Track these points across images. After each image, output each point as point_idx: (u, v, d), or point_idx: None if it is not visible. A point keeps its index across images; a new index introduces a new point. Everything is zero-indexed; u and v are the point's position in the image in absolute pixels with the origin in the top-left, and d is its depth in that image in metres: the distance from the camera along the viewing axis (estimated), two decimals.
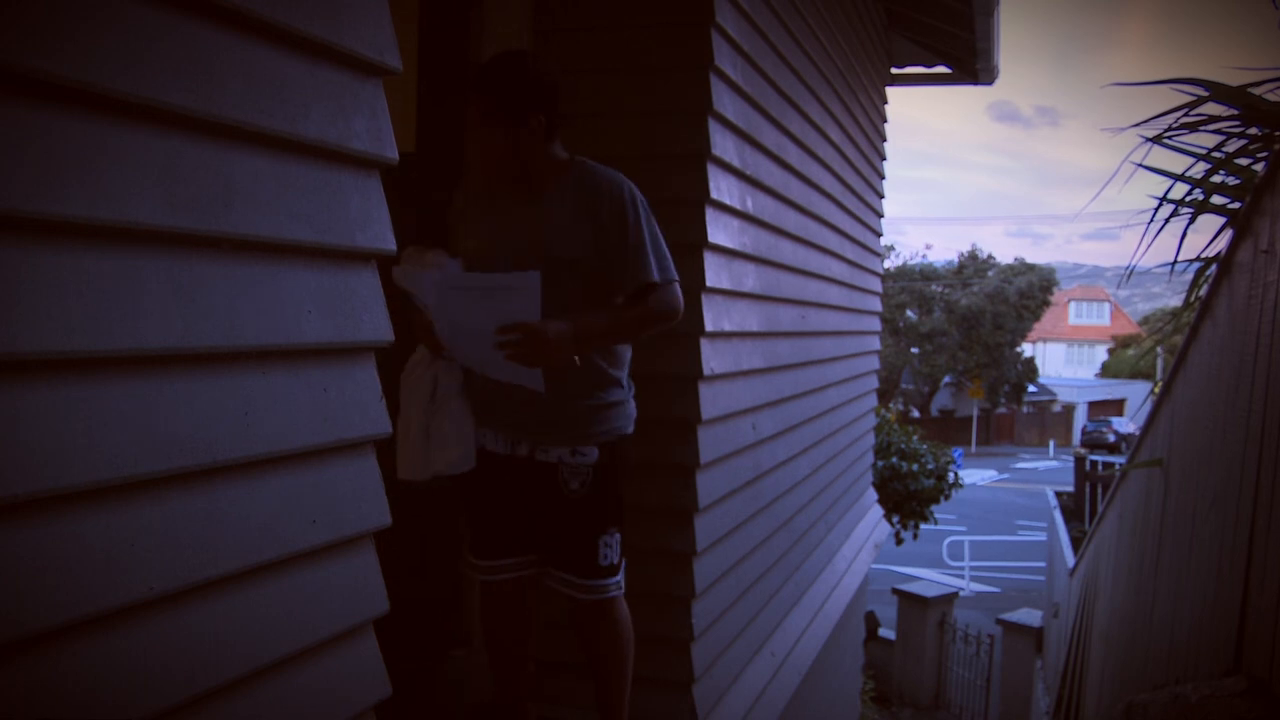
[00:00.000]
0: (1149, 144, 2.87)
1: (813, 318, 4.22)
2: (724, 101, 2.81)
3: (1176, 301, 4.06)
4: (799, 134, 3.79)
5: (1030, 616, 9.86)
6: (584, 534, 2.18)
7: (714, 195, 2.76)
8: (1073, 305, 54.59)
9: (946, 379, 36.32)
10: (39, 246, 1.02)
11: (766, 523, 3.59)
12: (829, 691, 5.14)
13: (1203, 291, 2.86)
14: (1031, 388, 38.10)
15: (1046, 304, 36.03)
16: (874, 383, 6.33)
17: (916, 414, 35.40)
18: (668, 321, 2.13)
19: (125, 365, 1.11)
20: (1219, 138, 2.75)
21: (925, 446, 10.51)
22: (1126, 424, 31.85)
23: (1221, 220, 2.81)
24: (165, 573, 1.14)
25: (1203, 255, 2.98)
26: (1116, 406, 39.83)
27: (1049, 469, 30.06)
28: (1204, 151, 2.79)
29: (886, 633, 10.70)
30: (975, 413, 36.63)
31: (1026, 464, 32.23)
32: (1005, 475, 29.07)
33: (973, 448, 35.19)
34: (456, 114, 2.72)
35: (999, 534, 19.37)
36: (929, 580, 12.21)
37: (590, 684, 2.36)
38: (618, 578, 2.24)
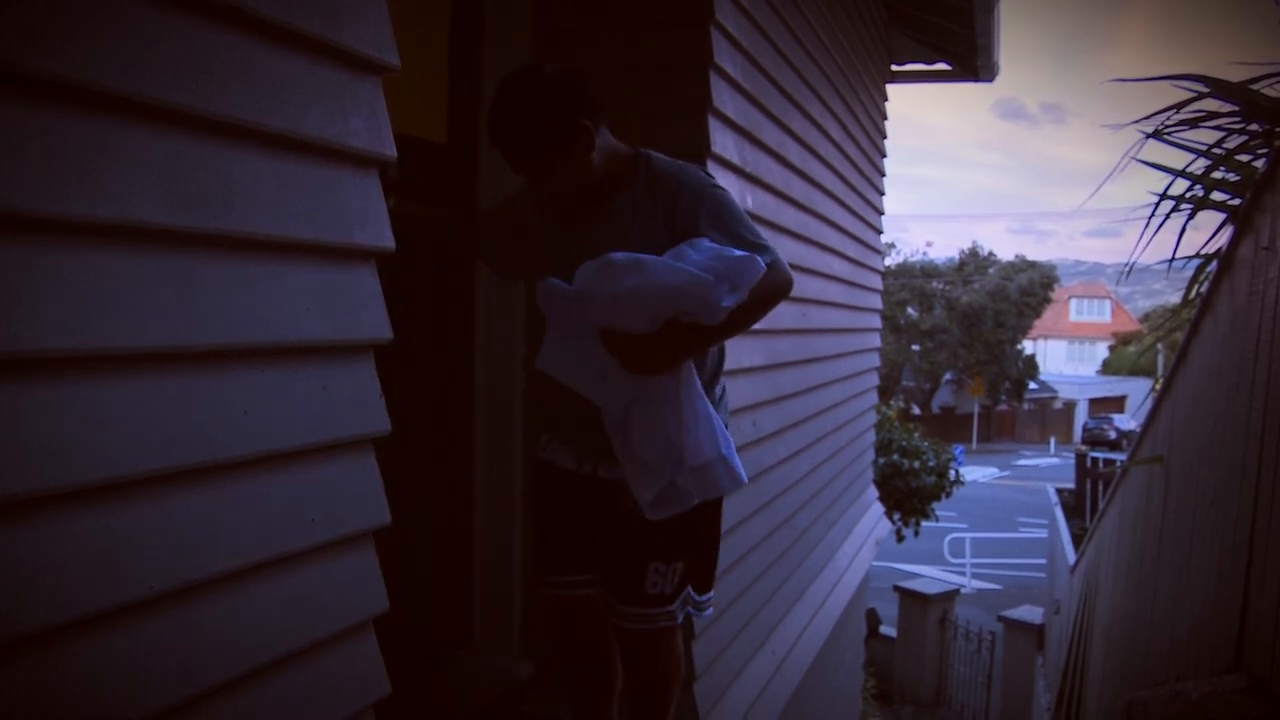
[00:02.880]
0: (1149, 140, 2.87)
1: (813, 315, 4.22)
2: (724, 99, 2.81)
3: (1177, 298, 4.06)
4: (799, 131, 3.79)
5: (1031, 613, 9.86)
6: (634, 558, 2.05)
7: None
8: (1074, 302, 54.59)
9: (947, 376, 36.33)
10: (39, 245, 1.02)
11: (767, 520, 3.59)
12: (830, 689, 5.14)
13: (1203, 288, 2.86)
14: (1032, 385, 38.10)
15: (1047, 301, 36.02)
16: (875, 380, 6.32)
17: (917, 411, 35.38)
18: (784, 295, 1.97)
19: (125, 364, 1.11)
20: (1219, 134, 2.75)
21: (926, 444, 10.52)
22: (1127, 421, 31.83)
23: (1222, 216, 2.81)
24: (164, 571, 1.14)
25: (1203, 252, 2.98)
26: (1117, 403, 39.82)
27: (1050, 466, 30.05)
28: (1204, 147, 2.79)
29: (888, 630, 10.71)
30: (976, 410, 36.64)
31: (1027, 461, 32.24)
32: (1006, 472, 29.07)
33: (974, 445, 35.19)
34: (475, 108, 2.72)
35: (1000, 531, 19.37)
36: (930, 577, 12.22)
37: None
38: (670, 608, 2.08)
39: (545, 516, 2.21)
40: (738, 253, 1.82)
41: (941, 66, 6.66)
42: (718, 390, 2.10)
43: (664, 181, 1.94)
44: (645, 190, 1.94)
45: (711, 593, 2.20)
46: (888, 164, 6.32)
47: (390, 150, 1.49)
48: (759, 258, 1.82)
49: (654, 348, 1.83)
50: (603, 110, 1.95)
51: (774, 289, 1.92)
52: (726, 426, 2.02)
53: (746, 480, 2.00)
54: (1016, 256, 36.54)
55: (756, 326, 3.29)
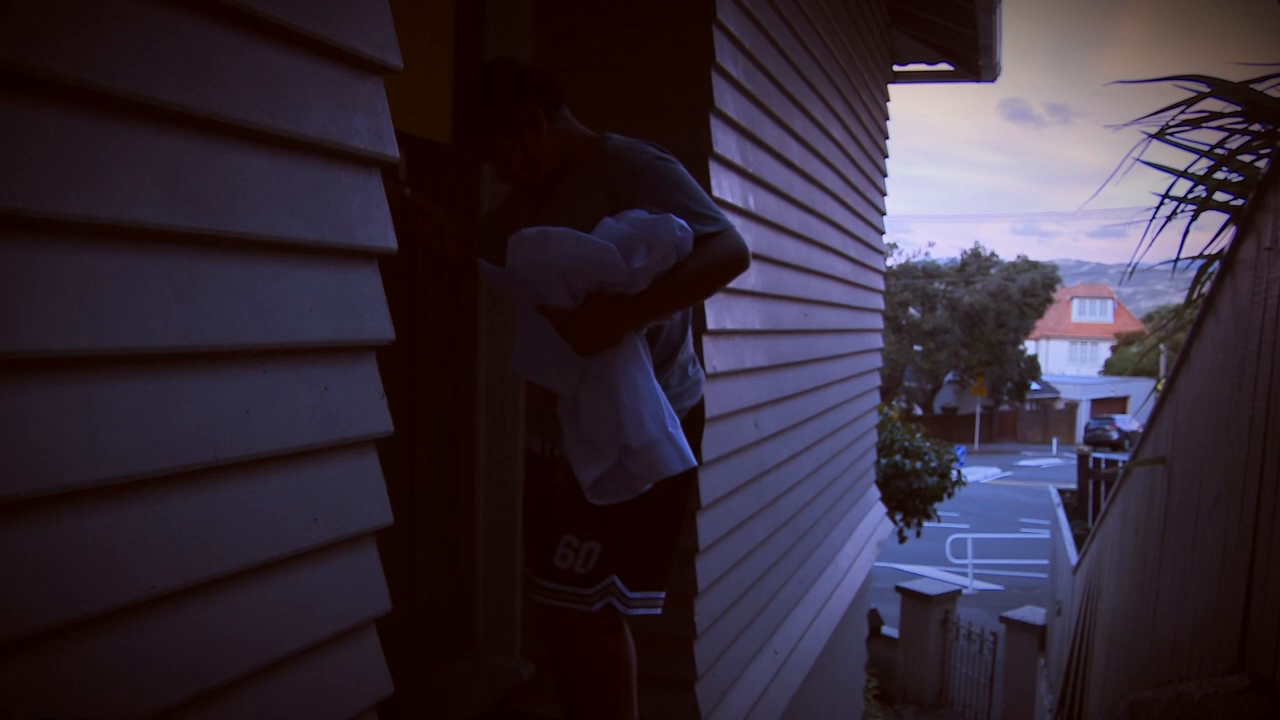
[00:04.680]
0: (1153, 140, 2.87)
1: (815, 315, 4.22)
2: (726, 99, 2.81)
3: (1180, 299, 4.05)
4: (801, 131, 3.79)
5: (1033, 614, 9.86)
6: (550, 527, 2.01)
7: (716, 193, 2.75)
8: (1076, 303, 54.57)
9: (949, 376, 36.32)
10: (41, 245, 1.02)
11: (769, 521, 3.59)
12: (832, 690, 5.14)
13: (1206, 289, 2.86)
14: (1034, 385, 38.09)
15: (1049, 301, 36.03)
16: (877, 380, 6.32)
17: (919, 412, 35.40)
18: (736, 267, 1.90)
19: (126, 364, 1.11)
20: (1222, 134, 2.75)
21: (928, 444, 10.51)
22: (1129, 421, 31.84)
23: (1224, 217, 2.80)
24: (167, 571, 1.14)
25: (1206, 252, 2.98)
26: (1119, 404, 39.81)
27: (1052, 466, 30.05)
28: (1207, 148, 2.79)
29: (890, 631, 10.70)
30: (978, 410, 36.62)
31: (1029, 461, 32.22)
32: (1008, 473, 29.06)
33: (975, 445, 35.19)
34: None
35: (1002, 532, 19.36)
36: (932, 578, 12.23)
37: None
38: (581, 590, 1.97)
39: (525, 507, 2.23)
40: (652, 216, 1.80)
41: (944, 67, 6.66)
42: (675, 370, 2.04)
43: (609, 161, 1.94)
44: (595, 171, 1.95)
45: (653, 593, 2.04)
46: (891, 164, 6.32)
47: (393, 150, 1.49)
48: (674, 218, 1.79)
49: (586, 322, 1.80)
50: (553, 97, 2.00)
51: (720, 259, 1.87)
52: (706, 413, 2.02)
53: (695, 462, 1.91)
54: (1019, 257, 36.54)
55: (756, 326, 3.31)
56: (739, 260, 1.90)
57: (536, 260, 1.78)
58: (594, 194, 1.93)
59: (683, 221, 1.80)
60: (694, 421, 2.10)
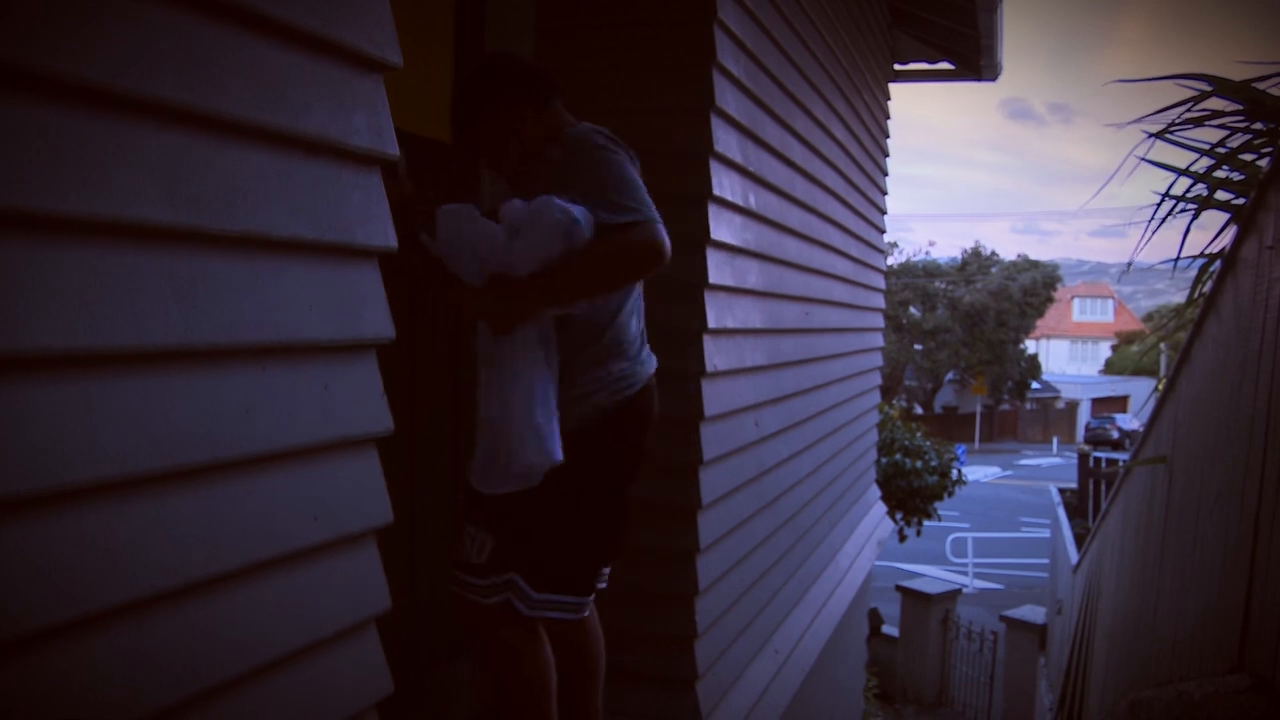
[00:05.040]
0: (1154, 139, 2.87)
1: (816, 315, 4.22)
2: (727, 98, 2.81)
3: (1180, 298, 4.05)
4: (802, 130, 3.78)
5: (1034, 613, 9.86)
6: (459, 514, 2.04)
7: (717, 192, 2.75)
8: (1076, 302, 54.56)
9: (950, 376, 36.32)
10: (41, 243, 1.02)
11: (769, 520, 3.58)
12: (832, 689, 5.14)
13: (1207, 288, 2.85)
14: (1035, 384, 38.08)
15: (1050, 300, 36.01)
16: (877, 379, 6.32)
17: (920, 411, 35.38)
18: (646, 259, 1.83)
19: (127, 362, 1.11)
20: (1223, 132, 2.75)
21: (929, 443, 10.51)
22: (1130, 420, 31.85)
23: (1226, 216, 2.80)
24: (167, 570, 1.14)
25: (1207, 251, 2.97)
26: (1120, 403, 39.80)
27: (1052, 465, 30.05)
28: (1208, 147, 2.78)
29: (890, 630, 10.70)
30: (979, 409, 36.62)
31: (1030, 461, 32.22)
32: (1009, 472, 29.06)
33: (976, 444, 35.18)
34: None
35: (1002, 531, 19.37)
36: (932, 577, 12.22)
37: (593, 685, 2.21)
38: (477, 580, 1.96)
39: None
40: (538, 198, 1.84)
41: (944, 66, 6.65)
42: (586, 365, 1.97)
43: (564, 148, 1.95)
44: (557, 160, 1.96)
45: (563, 596, 1.99)
46: (892, 164, 6.32)
47: (393, 148, 1.49)
48: (557, 201, 1.80)
49: (480, 301, 1.87)
50: (540, 88, 2.03)
51: (624, 248, 1.81)
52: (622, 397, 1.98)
53: (558, 458, 1.86)
54: (1019, 256, 36.53)
55: (757, 325, 3.31)
56: (650, 252, 1.82)
57: (446, 235, 1.89)
58: (550, 183, 1.92)
59: (570, 205, 1.79)
60: (612, 424, 1.99)
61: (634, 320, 2.06)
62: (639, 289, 2.09)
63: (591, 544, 2.05)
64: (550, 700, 2.03)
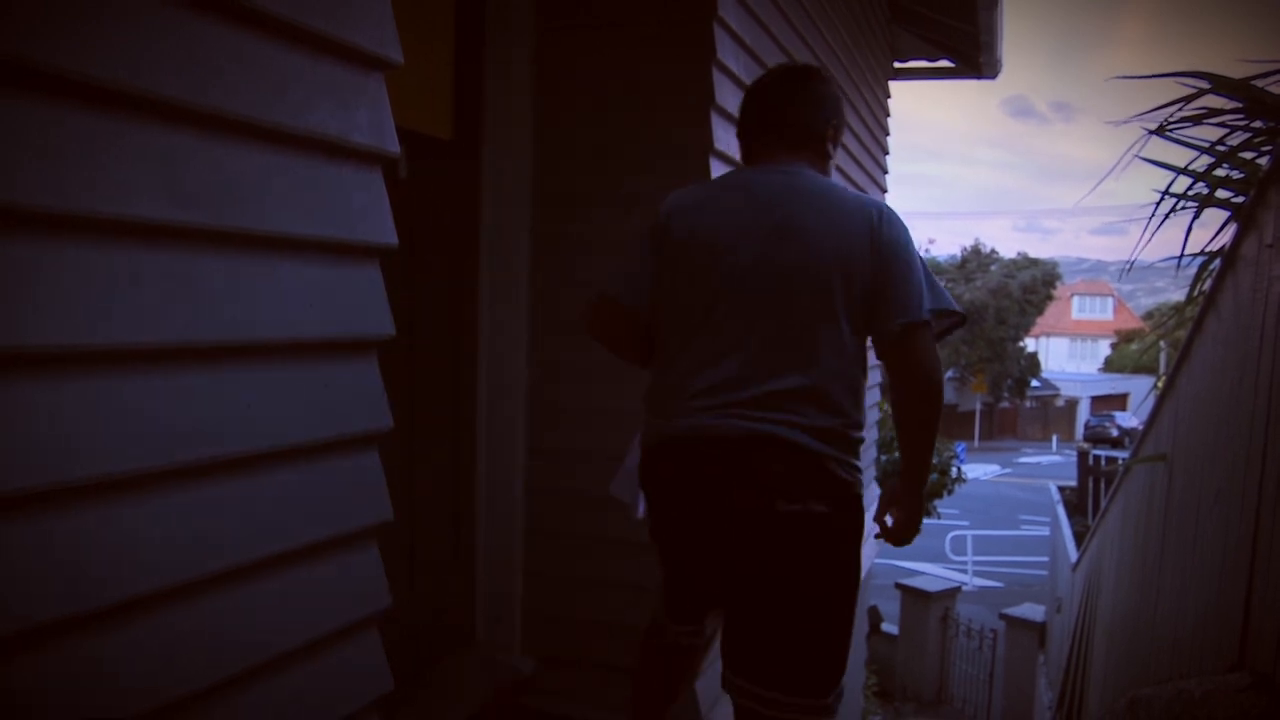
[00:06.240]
0: (1155, 137, 2.86)
1: None
2: (726, 95, 2.81)
3: (1180, 296, 4.05)
4: None
5: (1033, 611, 9.87)
6: None
7: None
8: (1076, 300, 54.55)
9: (949, 373, 36.28)
10: (42, 241, 1.02)
11: None
12: None
13: (1206, 286, 2.85)
14: (1034, 382, 38.09)
15: (1050, 298, 36.02)
16: (877, 378, 6.32)
17: None
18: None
19: (127, 360, 1.11)
20: (1223, 130, 2.74)
21: None
22: (1130, 418, 31.85)
23: (1226, 214, 2.80)
24: (167, 567, 1.14)
25: (1207, 249, 2.97)
26: (1120, 401, 39.81)
27: (1052, 463, 30.06)
28: (1207, 144, 2.78)
29: (889, 628, 10.71)
30: (978, 407, 36.63)
31: (1029, 458, 32.24)
32: (1008, 470, 29.08)
33: (975, 442, 35.19)
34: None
35: (1002, 529, 19.38)
36: (932, 575, 12.23)
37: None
38: None
39: None
40: None
41: (945, 63, 6.64)
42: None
43: None
44: None
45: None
46: (892, 161, 6.31)
47: (393, 146, 1.49)
48: None
49: (915, 524, 2.24)
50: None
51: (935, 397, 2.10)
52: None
53: (633, 492, 2.14)
54: (1019, 254, 36.54)
55: None
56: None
57: (630, 498, 2.20)
58: None
59: None
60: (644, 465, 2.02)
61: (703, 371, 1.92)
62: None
63: (664, 571, 2.09)
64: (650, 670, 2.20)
